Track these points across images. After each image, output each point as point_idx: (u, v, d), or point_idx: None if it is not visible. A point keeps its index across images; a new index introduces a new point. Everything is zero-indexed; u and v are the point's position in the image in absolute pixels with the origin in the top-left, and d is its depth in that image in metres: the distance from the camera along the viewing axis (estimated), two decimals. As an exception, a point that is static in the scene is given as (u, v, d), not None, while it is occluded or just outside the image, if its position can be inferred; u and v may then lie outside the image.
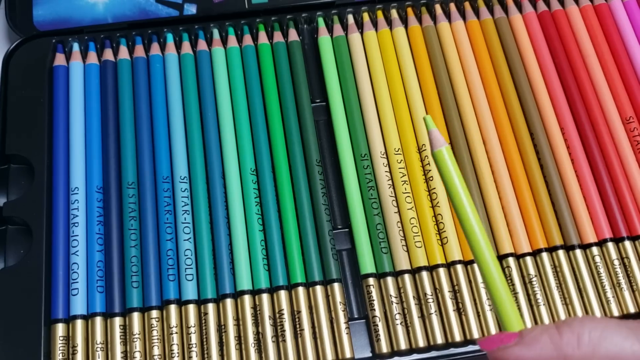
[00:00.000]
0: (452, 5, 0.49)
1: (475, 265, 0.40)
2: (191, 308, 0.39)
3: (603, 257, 0.41)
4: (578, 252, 0.41)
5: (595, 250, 0.41)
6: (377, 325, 0.39)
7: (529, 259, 0.41)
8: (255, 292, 0.40)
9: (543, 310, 0.40)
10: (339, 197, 0.43)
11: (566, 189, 0.43)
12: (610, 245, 0.41)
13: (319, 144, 0.45)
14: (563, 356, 0.24)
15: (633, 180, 0.43)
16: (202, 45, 0.47)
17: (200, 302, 0.40)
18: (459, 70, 0.47)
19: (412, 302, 0.39)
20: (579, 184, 0.43)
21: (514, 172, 0.43)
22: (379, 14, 0.49)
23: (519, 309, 0.40)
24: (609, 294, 0.40)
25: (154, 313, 0.39)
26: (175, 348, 0.39)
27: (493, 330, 0.39)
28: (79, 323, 0.39)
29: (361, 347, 0.39)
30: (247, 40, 0.48)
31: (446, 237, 0.41)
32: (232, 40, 0.48)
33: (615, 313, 0.40)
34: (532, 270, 0.40)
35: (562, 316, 0.40)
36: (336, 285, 0.40)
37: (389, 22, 0.49)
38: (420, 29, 0.48)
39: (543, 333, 0.25)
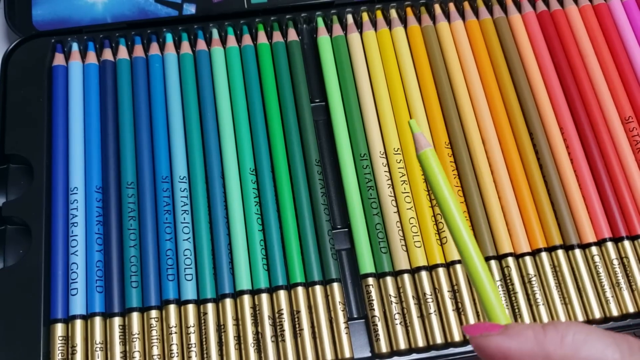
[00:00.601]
0: (452, 5, 0.49)
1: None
2: (190, 308, 0.39)
3: (602, 257, 0.41)
4: (577, 252, 0.41)
5: (594, 250, 0.41)
6: (376, 325, 0.39)
7: (528, 258, 0.41)
8: (254, 292, 0.40)
9: (542, 310, 0.40)
10: (339, 197, 0.43)
11: (565, 188, 0.43)
12: (610, 245, 0.41)
13: (319, 144, 0.45)
14: (545, 353, 0.25)
15: (632, 180, 0.43)
16: (201, 45, 0.47)
17: (200, 302, 0.40)
18: (458, 70, 0.47)
19: (412, 302, 0.39)
20: (578, 183, 0.43)
21: (513, 171, 0.43)
22: (378, 13, 0.49)
23: (519, 309, 0.40)
24: (608, 294, 0.40)
25: (154, 313, 0.39)
26: (174, 348, 0.39)
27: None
28: (78, 323, 0.39)
29: (360, 347, 0.39)
30: (247, 40, 0.48)
31: (445, 237, 0.41)
32: (232, 40, 0.48)
33: (615, 313, 0.40)
34: (531, 270, 0.40)
35: (562, 316, 0.40)
36: (335, 285, 0.40)
37: (388, 22, 0.49)
38: (420, 28, 0.48)
39: (528, 328, 0.25)
